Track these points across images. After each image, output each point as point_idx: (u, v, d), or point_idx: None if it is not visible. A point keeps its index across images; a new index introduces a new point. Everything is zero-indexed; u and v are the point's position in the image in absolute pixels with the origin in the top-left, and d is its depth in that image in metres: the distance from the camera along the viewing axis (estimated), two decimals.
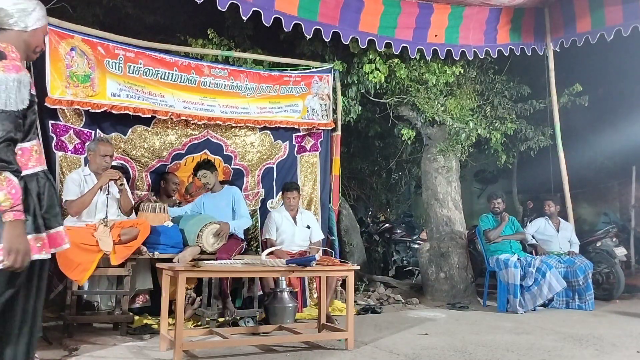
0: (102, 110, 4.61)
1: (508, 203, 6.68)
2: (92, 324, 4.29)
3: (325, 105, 5.81)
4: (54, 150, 4.55)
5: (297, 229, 5.10)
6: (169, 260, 4.29)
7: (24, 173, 1.96)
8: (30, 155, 2.03)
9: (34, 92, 2.01)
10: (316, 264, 3.98)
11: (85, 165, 4.47)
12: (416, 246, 7.87)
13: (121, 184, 4.36)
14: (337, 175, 5.94)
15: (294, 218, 5.13)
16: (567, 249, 6.21)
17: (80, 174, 4.30)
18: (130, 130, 4.92)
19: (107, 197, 4.28)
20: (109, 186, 4.29)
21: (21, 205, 1.88)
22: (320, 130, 5.81)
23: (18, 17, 2.07)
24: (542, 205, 6.55)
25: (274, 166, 5.67)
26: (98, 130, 4.77)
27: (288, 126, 5.62)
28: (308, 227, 5.14)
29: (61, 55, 4.45)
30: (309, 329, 4.27)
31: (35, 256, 1.97)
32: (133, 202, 4.61)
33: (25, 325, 2.00)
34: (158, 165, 5.12)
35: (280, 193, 5.36)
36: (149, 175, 5.10)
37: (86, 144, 4.58)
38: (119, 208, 4.42)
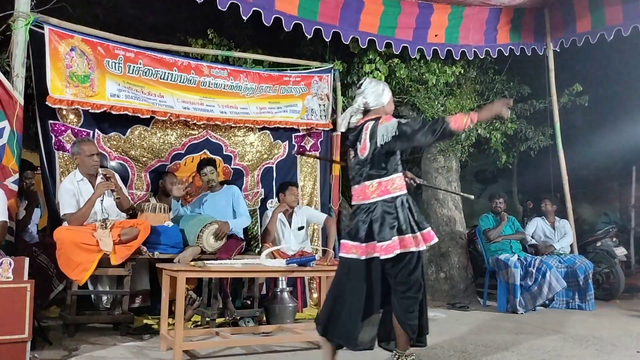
0: (102, 110, 4.60)
1: (508, 203, 6.68)
2: (92, 324, 4.29)
3: (324, 105, 5.80)
4: (54, 149, 4.56)
5: (290, 232, 5.16)
6: (169, 260, 4.30)
7: (397, 194, 2.85)
8: (399, 183, 2.89)
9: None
10: (316, 264, 3.99)
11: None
12: None
13: (117, 197, 4.35)
14: (337, 175, 5.93)
15: (290, 218, 5.17)
16: (565, 246, 6.20)
17: (74, 181, 4.22)
18: (129, 130, 4.92)
19: (101, 204, 4.22)
20: (104, 193, 4.26)
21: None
22: (320, 131, 5.81)
23: (377, 101, 2.96)
24: (540, 204, 6.54)
25: (274, 166, 5.67)
26: (97, 130, 4.76)
27: (287, 126, 5.62)
28: (301, 228, 5.19)
29: (61, 55, 4.43)
30: (309, 329, 4.26)
31: (413, 249, 2.87)
32: (131, 201, 4.61)
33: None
34: (157, 165, 5.12)
35: (280, 194, 5.35)
36: (148, 175, 5.10)
37: (70, 148, 4.45)
38: (118, 207, 4.41)
